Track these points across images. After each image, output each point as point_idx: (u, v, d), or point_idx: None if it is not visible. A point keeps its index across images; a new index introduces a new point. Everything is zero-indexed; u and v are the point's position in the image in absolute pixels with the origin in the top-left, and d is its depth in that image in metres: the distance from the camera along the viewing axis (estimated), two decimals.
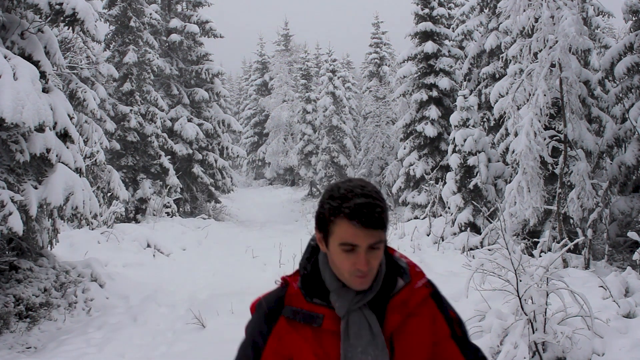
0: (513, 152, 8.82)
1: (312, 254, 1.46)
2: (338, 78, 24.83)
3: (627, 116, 9.31)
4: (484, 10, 14.47)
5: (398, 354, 1.37)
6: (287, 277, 1.47)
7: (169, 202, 15.94)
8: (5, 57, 5.67)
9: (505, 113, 9.51)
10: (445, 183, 12.66)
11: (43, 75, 6.56)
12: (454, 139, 12.08)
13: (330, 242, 1.34)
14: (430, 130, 15.48)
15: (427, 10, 16.06)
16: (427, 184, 14.82)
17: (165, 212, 15.79)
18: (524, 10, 8.57)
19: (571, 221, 9.26)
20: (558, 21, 8.05)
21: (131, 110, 15.33)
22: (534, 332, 4.28)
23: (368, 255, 1.31)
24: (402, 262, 1.47)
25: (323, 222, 1.34)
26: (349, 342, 1.33)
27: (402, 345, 1.38)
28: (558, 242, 8.28)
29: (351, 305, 1.36)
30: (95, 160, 11.39)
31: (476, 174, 11.71)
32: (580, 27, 7.96)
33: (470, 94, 13.58)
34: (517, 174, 8.96)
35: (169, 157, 17.20)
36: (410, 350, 1.38)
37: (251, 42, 49.05)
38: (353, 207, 1.29)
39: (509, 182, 9.94)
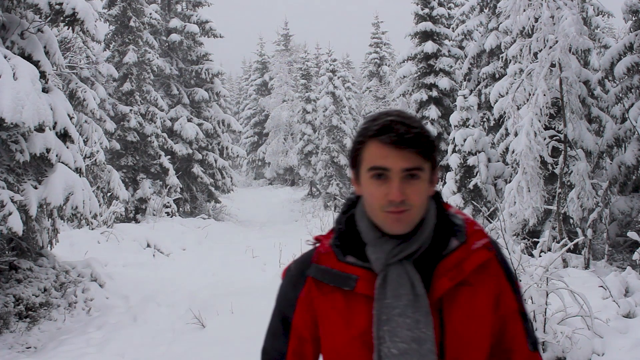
0: (513, 152, 8.82)
1: (349, 207, 1.25)
2: (338, 78, 24.82)
3: (627, 116, 9.31)
4: (484, 10, 14.47)
5: (449, 328, 1.12)
6: (320, 236, 1.27)
7: (169, 202, 15.94)
8: (5, 57, 5.67)
9: (505, 113, 9.51)
10: (445, 183, 12.66)
11: (43, 75, 6.55)
12: (454, 138, 12.08)
13: (361, 175, 1.16)
14: (430, 130, 15.46)
15: (427, 10, 16.06)
16: None
17: (165, 212, 15.79)
18: (524, 10, 8.57)
19: (571, 221, 9.26)
20: (558, 21, 8.05)
21: (131, 110, 15.33)
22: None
23: (403, 184, 1.10)
24: (458, 219, 1.21)
25: (354, 153, 1.17)
26: (385, 301, 1.10)
27: (455, 318, 1.13)
28: (558, 242, 8.27)
29: (390, 256, 1.14)
30: (95, 160, 11.39)
31: (476, 174, 11.71)
32: (580, 27, 7.96)
33: (470, 94, 13.58)
34: (517, 173, 8.96)
35: (169, 157, 17.20)
36: (466, 325, 1.13)
37: (251, 42, 49.07)
38: (382, 123, 1.11)
39: (509, 182, 9.94)
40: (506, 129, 10.86)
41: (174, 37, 18.02)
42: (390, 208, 1.10)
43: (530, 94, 8.58)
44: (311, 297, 1.20)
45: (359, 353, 1.13)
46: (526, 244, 9.30)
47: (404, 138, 1.09)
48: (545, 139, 8.85)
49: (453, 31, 15.91)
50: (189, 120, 18.01)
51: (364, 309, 1.13)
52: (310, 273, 1.20)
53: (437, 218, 1.19)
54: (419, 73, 16.12)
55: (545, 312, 4.37)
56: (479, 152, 11.71)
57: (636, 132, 9.04)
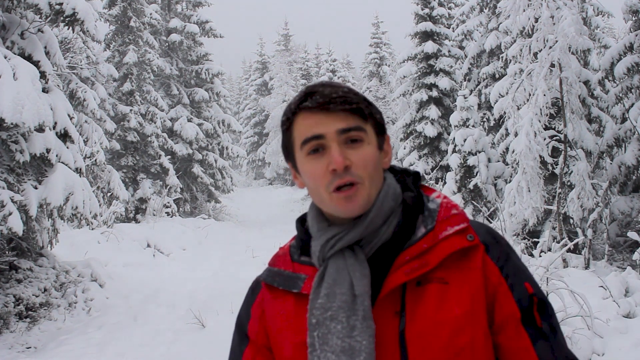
0: (513, 152, 8.81)
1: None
2: (338, 78, 24.83)
3: (627, 116, 9.31)
4: (484, 10, 14.47)
5: (411, 339, 0.89)
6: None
7: (169, 202, 15.94)
8: (5, 57, 5.67)
9: (505, 113, 9.51)
10: (445, 183, 12.66)
11: (43, 75, 6.56)
12: (454, 139, 12.08)
13: (297, 160, 0.99)
14: (430, 130, 15.48)
15: (427, 10, 16.06)
16: (427, 184, 14.82)
17: (165, 212, 15.79)
18: (524, 10, 8.57)
19: (571, 221, 9.26)
20: (558, 21, 8.05)
21: (131, 110, 15.33)
22: None
23: (345, 149, 0.93)
24: (433, 204, 1.00)
25: (284, 140, 1.02)
26: (317, 301, 0.92)
27: (419, 326, 0.90)
28: (558, 242, 8.28)
29: (326, 247, 0.96)
30: (95, 160, 11.39)
31: (476, 174, 11.71)
32: (580, 27, 7.96)
33: (470, 94, 13.58)
34: (517, 174, 8.96)
35: (169, 157, 17.20)
36: (435, 336, 0.89)
37: (251, 42, 49.03)
38: (304, 92, 0.97)
39: (509, 182, 9.94)
40: (506, 129, 10.86)
41: (174, 37, 18.02)
42: (335, 182, 0.92)
43: (530, 94, 8.58)
44: (263, 304, 1.05)
45: None
46: (526, 244, 9.30)
47: (332, 97, 0.94)
48: (545, 139, 8.85)
49: (453, 31, 15.91)
50: (189, 120, 18.01)
51: None
52: (261, 277, 1.07)
53: (410, 204, 1.00)
54: (419, 73, 16.12)
55: None
56: (479, 152, 11.72)
57: (636, 132, 9.04)
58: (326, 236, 0.96)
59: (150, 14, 16.42)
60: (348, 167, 0.92)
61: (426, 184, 1.12)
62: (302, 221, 1.08)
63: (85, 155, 11.00)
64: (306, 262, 1.02)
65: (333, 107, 0.94)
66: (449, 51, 16.15)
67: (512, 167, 9.55)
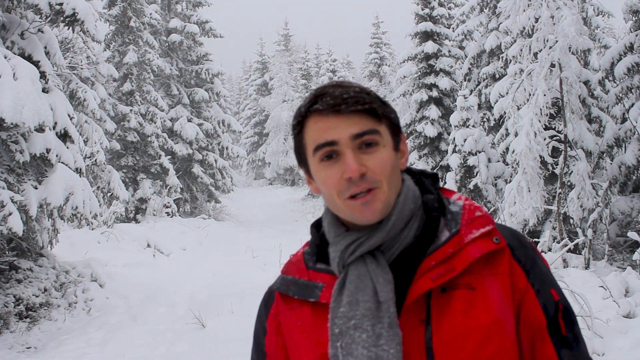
0: (513, 152, 8.82)
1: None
2: (338, 78, 24.81)
3: (627, 116, 9.31)
4: (484, 10, 14.47)
5: (438, 348, 0.86)
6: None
7: (169, 202, 15.94)
8: (5, 57, 5.67)
9: (505, 113, 9.51)
10: (445, 183, 12.66)
11: (43, 75, 6.56)
12: (454, 139, 12.08)
13: (310, 166, 0.96)
14: (430, 130, 15.48)
15: (427, 10, 16.07)
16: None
17: (165, 212, 15.79)
18: (524, 10, 8.57)
19: (571, 221, 9.26)
20: (558, 21, 8.05)
21: (131, 110, 15.33)
22: None
23: (359, 155, 0.89)
24: (455, 206, 0.96)
25: (296, 145, 0.98)
26: (339, 310, 0.88)
27: (446, 334, 0.86)
28: (558, 242, 8.29)
29: (346, 253, 0.92)
30: (95, 160, 11.39)
31: (476, 174, 11.71)
32: (580, 27, 7.96)
33: (470, 94, 13.59)
34: (517, 174, 8.96)
35: (169, 157, 17.21)
36: (463, 344, 0.86)
37: (251, 42, 49.06)
38: (314, 94, 0.93)
39: (509, 182, 9.94)
40: (506, 129, 10.86)
41: (174, 37, 18.03)
42: (351, 189, 0.88)
43: (530, 94, 8.58)
44: (279, 316, 1.00)
45: None
46: None
47: (343, 98, 0.89)
48: (545, 139, 8.85)
49: (453, 31, 15.92)
50: (189, 120, 18.02)
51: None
52: (275, 286, 1.02)
53: (432, 207, 0.96)
54: (419, 73, 16.13)
55: None
56: (479, 152, 11.72)
57: (636, 132, 9.04)
58: (346, 241, 0.92)
59: (150, 14, 16.43)
60: (364, 174, 0.88)
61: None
62: (317, 227, 1.04)
63: (85, 155, 11.00)
64: (323, 270, 0.97)
65: (345, 108, 0.89)
66: (449, 51, 16.15)
67: (512, 167, 9.55)
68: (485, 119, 13.94)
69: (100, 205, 11.92)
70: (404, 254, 0.92)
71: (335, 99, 0.90)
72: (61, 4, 6.47)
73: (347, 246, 0.92)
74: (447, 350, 0.86)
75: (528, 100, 8.60)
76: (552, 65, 8.38)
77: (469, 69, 14.65)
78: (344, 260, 0.92)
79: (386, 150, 0.92)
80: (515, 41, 9.94)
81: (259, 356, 1.04)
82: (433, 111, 15.59)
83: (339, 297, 0.90)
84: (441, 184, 1.07)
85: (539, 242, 8.45)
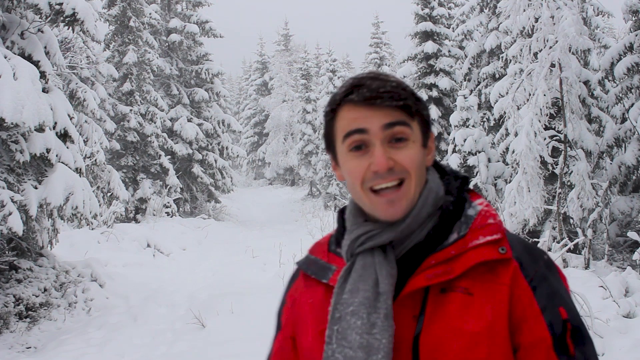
0: (513, 152, 8.81)
1: None
2: (338, 78, 24.81)
3: (627, 116, 9.31)
4: (484, 10, 14.47)
5: (425, 346, 0.87)
6: None
7: (169, 202, 15.94)
8: (5, 57, 5.67)
9: (505, 113, 9.51)
10: None
11: (43, 75, 6.56)
12: (454, 138, 12.08)
13: (338, 153, 0.97)
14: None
15: (427, 10, 16.07)
16: None
17: (165, 212, 15.79)
18: (524, 10, 8.57)
19: (571, 221, 9.26)
20: (558, 21, 8.04)
21: (131, 110, 15.33)
22: None
23: (388, 149, 0.90)
24: (472, 210, 0.96)
25: (326, 130, 0.98)
26: (342, 296, 0.92)
27: (435, 333, 0.87)
28: (558, 242, 8.29)
29: (355, 244, 0.95)
30: (95, 160, 11.39)
31: (476, 174, 11.71)
32: (580, 27, 7.96)
33: (470, 94, 13.58)
34: (517, 174, 8.96)
35: (169, 157, 17.20)
36: (449, 347, 0.86)
37: (251, 42, 49.06)
38: (351, 83, 0.93)
39: (509, 182, 9.94)
40: (506, 129, 10.86)
41: (174, 37, 18.02)
42: (375, 181, 0.90)
43: (530, 94, 8.57)
44: (297, 292, 1.05)
45: (321, 349, 0.94)
46: None
47: (379, 92, 0.89)
48: (545, 139, 8.85)
49: (453, 31, 15.91)
50: (189, 120, 18.01)
51: None
52: (299, 264, 1.06)
53: (447, 209, 0.96)
54: (419, 73, 16.13)
55: None
56: (479, 152, 11.72)
57: (636, 132, 9.04)
58: (357, 232, 0.95)
59: (150, 14, 16.42)
60: (392, 168, 0.90)
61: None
62: (342, 212, 1.06)
63: (85, 155, 11.00)
64: (339, 254, 1.01)
65: (380, 102, 0.89)
66: (449, 51, 16.15)
67: (512, 167, 9.55)
68: (485, 119, 13.94)
69: (100, 205, 11.92)
70: (414, 250, 0.94)
71: (372, 92, 0.90)
72: (61, 4, 6.47)
73: (357, 237, 0.95)
74: (432, 350, 0.87)
75: (528, 100, 8.60)
76: (552, 65, 8.38)
77: (469, 68, 14.65)
78: (352, 250, 0.95)
79: (415, 146, 0.92)
80: (515, 41, 9.94)
81: (277, 326, 1.10)
82: (433, 111, 15.59)
83: (344, 285, 0.93)
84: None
85: (538, 242, 8.45)
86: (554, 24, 8.11)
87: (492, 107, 11.64)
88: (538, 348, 0.87)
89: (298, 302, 1.04)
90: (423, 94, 15.81)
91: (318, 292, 1.00)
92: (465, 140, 11.77)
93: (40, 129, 5.77)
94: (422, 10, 16.07)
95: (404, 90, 0.92)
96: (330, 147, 0.99)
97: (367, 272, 0.91)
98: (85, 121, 12.01)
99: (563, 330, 0.88)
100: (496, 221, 0.93)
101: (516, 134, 8.88)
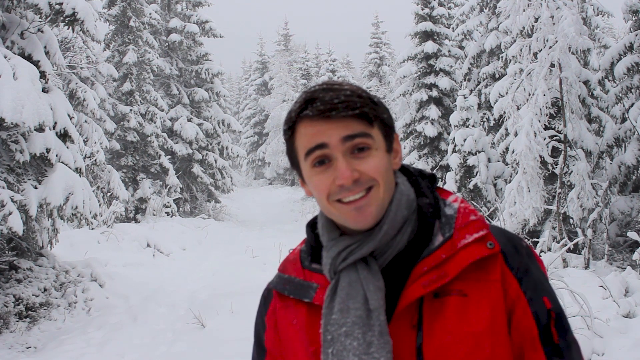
0: (513, 152, 8.81)
1: None
2: (338, 78, 24.82)
3: (626, 116, 9.31)
4: (484, 10, 14.47)
5: (429, 356, 0.86)
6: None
7: (168, 202, 15.94)
8: (5, 57, 5.67)
9: (505, 113, 9.51)
10: (445, 183, 12.66)
11: (43, 75, 6.56)
12: (454, 138, 12.08)
13: (302, 169, 0.94)
14: (430, 130, 15.48)
15: (427, 10, 16.07)
16: None
17: (165, 212, 15.79)
18: (524, 10, 8.57)
19: (571, 221, 9.26)
20: (558, 21, 8.05)
21: (131, 110, 15.33)
22: None
23: (351, 159, 0.88)
24: (450, 209, 0.95)
25: (288, 149, 0.96)
26: (331, 317, 0.89)
27: (437, 341, 0.86)
28: (558, 242, 8.29)
29: (337, 260, 0.91)
30: (95, 160, 11.39)
31: (476, 174, 11.71)
32: (579, 27, 7.96)
33: (470, 94, 13.59)
34: (517, 174, 8.96)
35: (169, 157, 17.21)
36: (454, 352, 0.85)
37: (251, 42, 49.06)
38: (304, 98, 0.90)
39: (509, 182, 9.94)
40: (506, 129, 10.86)
41: (174, 37, 18.02)
42: (342, 194, 0.88)
43: (530, 94, 8.58)
44: (276, 313, 1.01)
45: None
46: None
47: (333, 103, 0.87)
48: (545, 139, 8.85)
49: (453, 31, 15.92)
50: (189, 120, 18.02)
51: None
52: (272, 284, 1.02)
53: (426, 211, 0.95)
54: (419, 73, 16.13)
55: None
56: (479, 152, 11.72)
57: (636, 132, 9.04)
58: (338, 248, 0.92)
59: (150, 13, 16.42)
60: (357, 179, 0.88)
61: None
62: (312, 226, 1.04)
63: (85, 155, 11.00)
64: (317, 270, 0.97)
65: (336, 113, 0.87)
66: (449, 51, 16.15)
67: (512, 167, 9.55)
68: (485, 119, 13.94)
69: (100, 205, 11.93)
70: (397, 258, 0.92)
71: (326, 104, 0.88)
72: (61, 4, 6.47)
73: (338, 253, 0.92)
74: (438, 356, 0.86)
75: (528, 100, 8.60)
76: (552, 65, 8.38)
77: (469, 68, 14.65)
78: (335, 267, 0.92)
79: (379, 154, 0.90)
80: (515, 41, 9.94)
81: (259, 351, 1.05)
82: (433, 111, 15.59)
83: (331, 304, 0.90)
84: (440, 183, 1.07)
85: (538, 242, 8.45)
86: (554, 24, 8.11)
87: (492, 107, 11.64)
88: (525, 339, 0.88)
89: (280, 325, 1.00)
90: (423, 94, 15.81)
91: (301, 313, 0.96)
92: (465, 140, 11.77)
93: (40, 128, 5.78)
94: (422, 10, 16.07)
95: (360, 97, 0.90)
96: (295, 164, 0.97)
97: (354, 289, 0.89)
98: (85, 121, 12.01)
99: (547, 320, 0.89)
100: (478, 217, 0.92)
101: (516, 134, 8.88)
